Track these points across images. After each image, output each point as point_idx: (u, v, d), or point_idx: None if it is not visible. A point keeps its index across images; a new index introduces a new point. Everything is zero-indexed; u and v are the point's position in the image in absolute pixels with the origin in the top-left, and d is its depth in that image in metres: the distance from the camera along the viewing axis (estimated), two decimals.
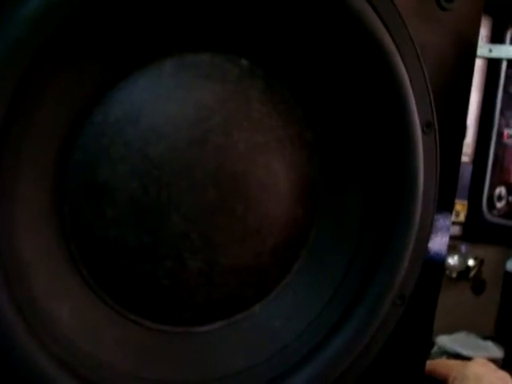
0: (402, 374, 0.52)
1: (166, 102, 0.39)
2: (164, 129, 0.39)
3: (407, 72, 0.43)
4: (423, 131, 0.44)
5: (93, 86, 0.38)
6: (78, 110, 0.38)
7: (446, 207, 0.52)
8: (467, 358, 0.67)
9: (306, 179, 0.45)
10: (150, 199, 0.39)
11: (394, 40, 0.42)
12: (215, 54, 0.41)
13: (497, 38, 1.29)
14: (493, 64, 1.31)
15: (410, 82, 0.43)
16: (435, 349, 1.01)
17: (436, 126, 0.46)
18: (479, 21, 0.51)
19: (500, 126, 1.43)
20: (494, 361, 0.71)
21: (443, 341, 1.03)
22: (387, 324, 0.46)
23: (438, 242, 0.52)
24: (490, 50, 1.26)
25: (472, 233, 1.43)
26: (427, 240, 0.47)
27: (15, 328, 0.34)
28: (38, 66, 0.34)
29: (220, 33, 0.41)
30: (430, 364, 0.61)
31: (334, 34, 0.41)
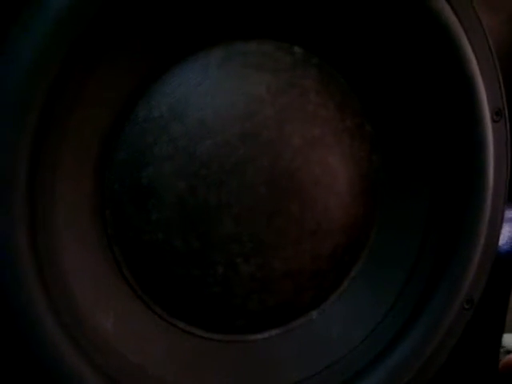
0: (474, 377, 0.49)
1: (214, 95, 0.37)
2: (212, 124, 0.36)
3: (475, 56, 0.39)
4: (493, 119, 0.41)
5: (135, 80, 0.36)
6: (120, 105, 0.35)
7: None
8: None
9: (365, 175, 0.41)
10: (198, 200, 0.36)
11: (460, 22, 0.38)
12: (266, 42, 0.38)
13: None
14: None
15: (478, 66, 0.39)
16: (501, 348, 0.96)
17: (506, 114, 0.42)
18: None
19: None
20: None
21: (509, 340, 0.98)
22: (454, 330, 0.42)
23: (508, 239, 0.48)
24: None
25: None
26: (497, 238, 0.44)
27: (57, 339, 0.32)
28: (74, 60, 0.31)
29: (271, 18, 0.38)
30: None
31: (396, 17, 0.38)
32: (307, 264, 0.40)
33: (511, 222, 0.50)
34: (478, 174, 0.41)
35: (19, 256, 0.30)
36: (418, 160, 0.42)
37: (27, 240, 0.31)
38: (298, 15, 0.38)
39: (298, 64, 0.38)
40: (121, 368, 0.36)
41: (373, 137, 0.41)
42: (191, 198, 0.36)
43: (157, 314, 0.38)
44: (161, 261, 0.37)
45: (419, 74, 0.40)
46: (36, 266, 0.32)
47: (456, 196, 0.41)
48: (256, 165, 0.37)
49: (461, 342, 0.43)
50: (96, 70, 0.33)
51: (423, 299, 0.41)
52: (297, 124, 0.38)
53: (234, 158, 0.37)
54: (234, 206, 0.37)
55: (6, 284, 0.30)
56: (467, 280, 0.41)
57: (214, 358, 0.39)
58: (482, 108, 0.40)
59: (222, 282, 0.38)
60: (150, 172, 0.36)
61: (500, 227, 0.44)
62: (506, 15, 0.46)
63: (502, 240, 0.49)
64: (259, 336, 0.41)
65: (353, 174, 0.40)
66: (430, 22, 0.38)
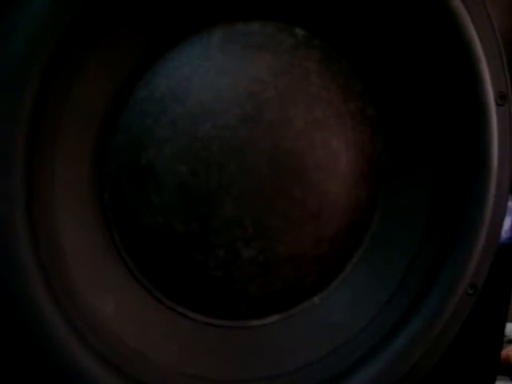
0: (476, 364, 0.48)
1: (215, 76, 0.36)
2: (213, 105, 0.36)
3: (480, 39, 0.39)
4: (496, 103, 0.40)
5: (134, 60, 0.35)
6: (120, 86, 0.35)
7: None
8: None
9: (368, 159, 0.41)
10: (198, 183, 0.36)
11: (465, 6, 0.38)
12: (267, 23, 0.38)
13: None
14: None
15: (483, 50, 0.39)
16: None
17: (510, 98, 0.41)
18: None
19: None
20: None
21: (510, 329, 0.98)
22: (458, 315, 0.42)
23: (510, 230, 0.48)
24: None
25: None
26: (501, 224, 0.43)
27: (53, 323, 0.32)
28: (75, 38, 0.31)
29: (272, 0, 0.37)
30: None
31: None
32: (309, 248, 0.39)
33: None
34: (481, 158, 0.40)
35: (17, 236, 0.30)
36: (420, 145, 0.41)
37: (24, 219, 0.31)
38: None
39: (299, 46, 0.38)
40: (119, 352, 0.35)
41: (375, 120, 0.41)
42: (191, 181, 0.36)
43: (156, 299, 0.38)
44: (161, 244, 0.37)
45: (423, 57, 0.39)
46: (34, 248, 0.31)
47: (459, 180, 0.40)
48: (257, 147, 0.36)
49: (464, 331, 0.43)
50: (95, 50, 0.33)
51: (427, 284, 0.41)
52: (298, 106, 0.37)
53: (235, 140, 0.36)
54: (234, 189, 0.36)
55: (3, 265, 0.30)
56: (471, 265, 0.41)
57: (213, 343, 0.39)
58: (486, 91, 0.39)
59: (222, 266, 0.38)
60: (149, 154, 0.36)
61: (504, 213, 0.43)
62: (503, 6, 0.46)
63: (504, 231, 0.48)
64: (260, 322, 0.40)
65: (355, 158, 0.40)
66: (435, 5, 0.37)
